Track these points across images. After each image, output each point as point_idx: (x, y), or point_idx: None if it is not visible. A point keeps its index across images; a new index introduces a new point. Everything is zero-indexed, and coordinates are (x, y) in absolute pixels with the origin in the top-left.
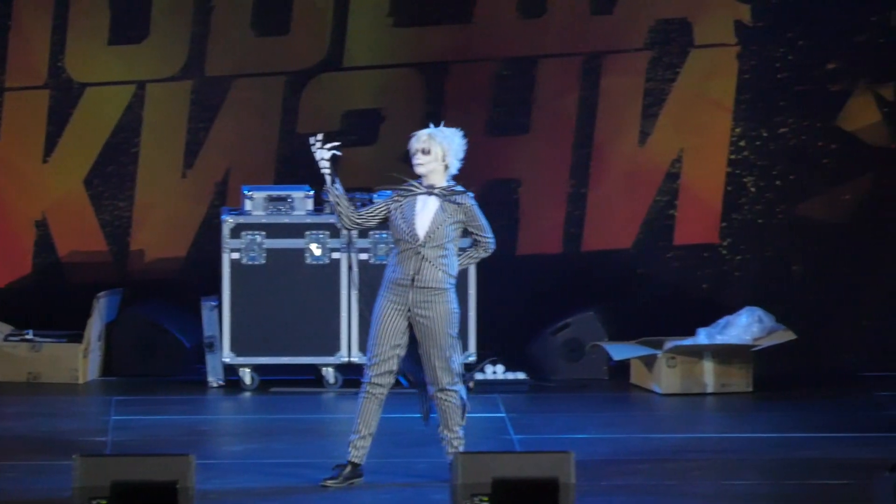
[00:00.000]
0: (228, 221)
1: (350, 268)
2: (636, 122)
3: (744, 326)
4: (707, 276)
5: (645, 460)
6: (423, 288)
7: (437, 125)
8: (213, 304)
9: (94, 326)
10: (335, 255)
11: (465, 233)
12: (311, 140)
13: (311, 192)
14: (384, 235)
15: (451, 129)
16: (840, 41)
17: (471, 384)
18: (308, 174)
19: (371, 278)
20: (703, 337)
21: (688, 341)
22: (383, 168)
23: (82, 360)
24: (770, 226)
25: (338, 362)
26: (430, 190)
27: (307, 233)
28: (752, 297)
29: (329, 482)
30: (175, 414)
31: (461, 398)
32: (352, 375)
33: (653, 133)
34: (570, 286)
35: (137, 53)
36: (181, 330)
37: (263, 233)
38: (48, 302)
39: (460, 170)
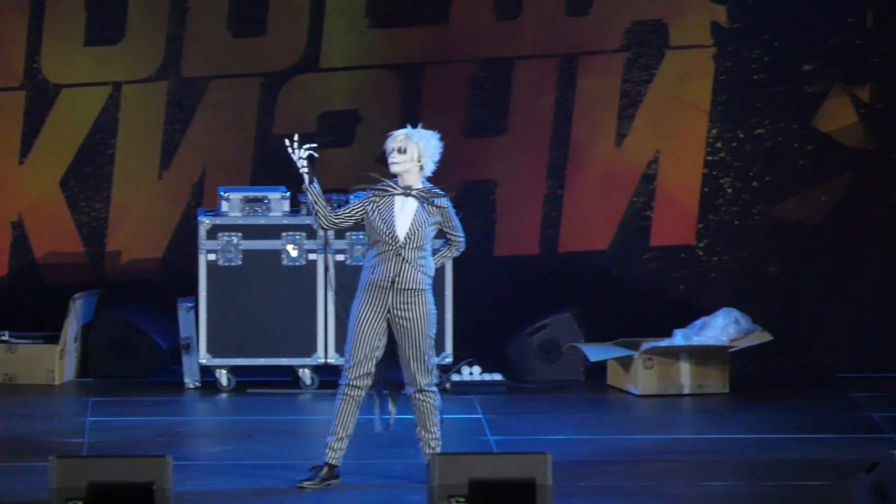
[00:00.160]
0: (205, 222)
1: (327, 269)
2: (612, 124)
3: (720, 327)
4: (684, 277)
5: (622, 461)
6: (404, 290)
7: (413, 126)
8: (190, 305)
9: (71, 327)
10: (312, 257)
11: (439, 233)
12: (287, 142)
13: (288, 194)
14: (360, 236)
15: (428, 131)
16: (816, 42)
17: (447, 385)
18: (284, 175)
19: (347, 279)
20: (679, 338)
21: (664, 342)
22: (360, 169)
23: (58, 362)
24: (747, 227)
25: (314, 363)
26: (408, 191)
27: (284, 234)
28: (729, 298)
29: (306, 483)
30: (152, 415)
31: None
32: (328, 377)
33: (629, 134)
34: (547, 287)
35: (113, 54)
36: (157, 331)
37: (240, 234)
38: (24, 303)
39: (438, 171)
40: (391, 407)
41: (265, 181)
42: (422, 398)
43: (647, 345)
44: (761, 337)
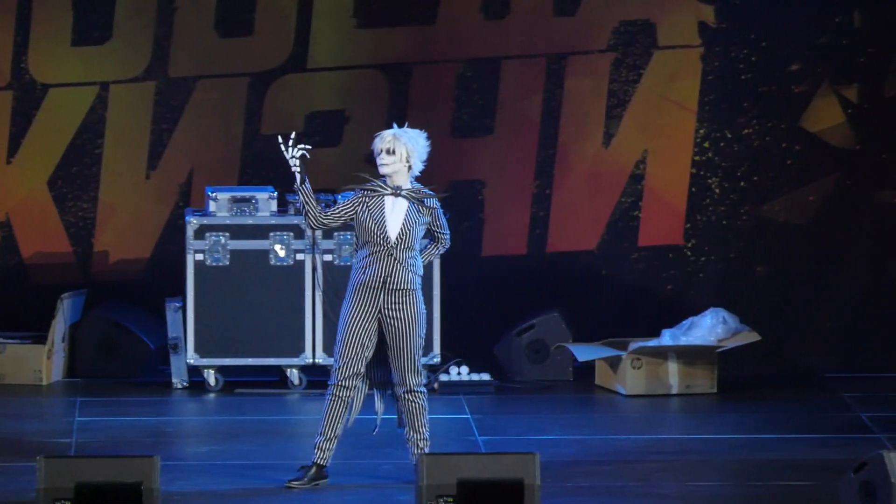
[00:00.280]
0: (192, 222)
1: (314, 269)
2: (600, 124)
3: (708, 327)
4: (671, 277)
5: (610, 461)
6: (395, 290)
7: (401, 126)
8: (178, 305)
9: (58, 327)
10: (299, 257)
11: (426, 232)
12: (280, 139)
13: (275, 194)
14: (348, 237)
15: (415, 131)
16: (803, 42)
17: (435, 385)
18: (272, 175)
19: (335, 279)
20: (667, 338)
21: (652, 342)
22: (348, 169)
23: (46, 362)
24: (734, 227)
25: (302, 363)
26: (398, 191)
27: (271, 234)
28: (717, 298)
29: (294, 483)
30: (139, 415)
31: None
32: (316, 377)
33: (617, 134)
34: (535, 287)
35: (101, 54)
36: (145, 331)
37: (227, 234)
38: (12, 303)
39: (426, 171)
40: (378, 407)
41: (253, 181)
42: (411, 398)
43: (636, 345)
44: (749, 337)
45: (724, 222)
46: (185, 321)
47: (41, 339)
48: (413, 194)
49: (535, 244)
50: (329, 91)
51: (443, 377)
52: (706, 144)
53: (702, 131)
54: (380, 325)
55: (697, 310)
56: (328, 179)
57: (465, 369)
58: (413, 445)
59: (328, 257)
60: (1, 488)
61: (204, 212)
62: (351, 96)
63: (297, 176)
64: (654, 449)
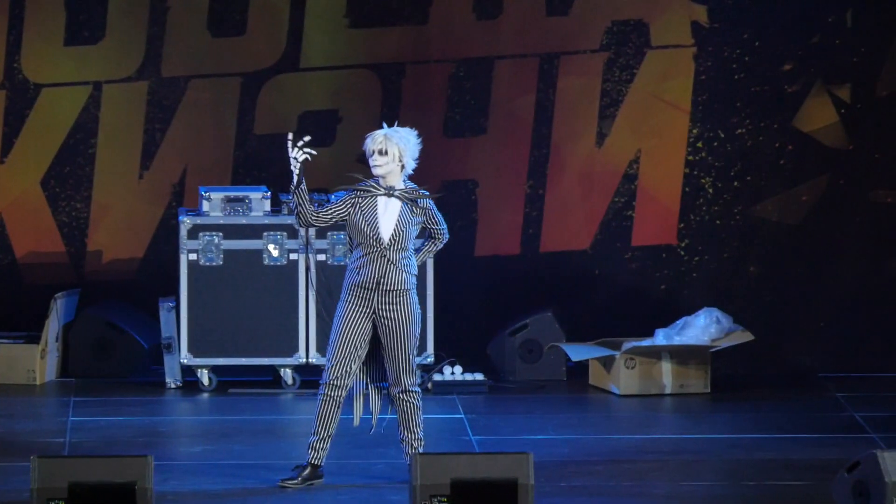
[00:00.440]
0: (186, 222)
1: (308, 269)
2: (593, 124)
3: (702, 327)
4: (665, 276)
5: (603, 461)
6: (389, 290)
7: (391, 125)
8: (171, 304)
9: (52, 327)
10: (293, 256)
11: (421, 231)
12: (290, 136)
13: (269, 193)
14: (342, 237)
15: (405, 129)
16: (796, 42)
17: (429, 385)
18: (265, 175)
19: (329, 279)
20: (661, 338)
21: (646, 342)
22: (340, 169)
23: (39, 361)
24: (727, 227)
25: (296, 363)
26: (391, 191)
27: (265, 234)
28: (710, 297)
29: (288, 483)
30: (133, 415)
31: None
32: (310, 376)
33: (610, 134)
34: (528, 287)
35: (93, 54)
36: (139, 331)
37: (221, 234)
38: (5, 303)
39: (418, 171)
40: (373, 407)
41: (246, 181)
42: (406, 398)
43: (629, 344)
44: (742, 337)
45: (717, 222)
46: (178, 321)
47: (34, 338)
48: (406, 195)
49: (528, 244)
50: (322, 91)
51: (436, 377)
52: (699, 144)
53: (695, 131)
54: (374, 325)
55: (691, 309)
56: (321, 179)
57: (458, 369)
58: (407, 445)
59: (321, 257)
60: None
61: (197, 211)
62: (344, 96)
63: (295, 178)
64: (648, 448)
